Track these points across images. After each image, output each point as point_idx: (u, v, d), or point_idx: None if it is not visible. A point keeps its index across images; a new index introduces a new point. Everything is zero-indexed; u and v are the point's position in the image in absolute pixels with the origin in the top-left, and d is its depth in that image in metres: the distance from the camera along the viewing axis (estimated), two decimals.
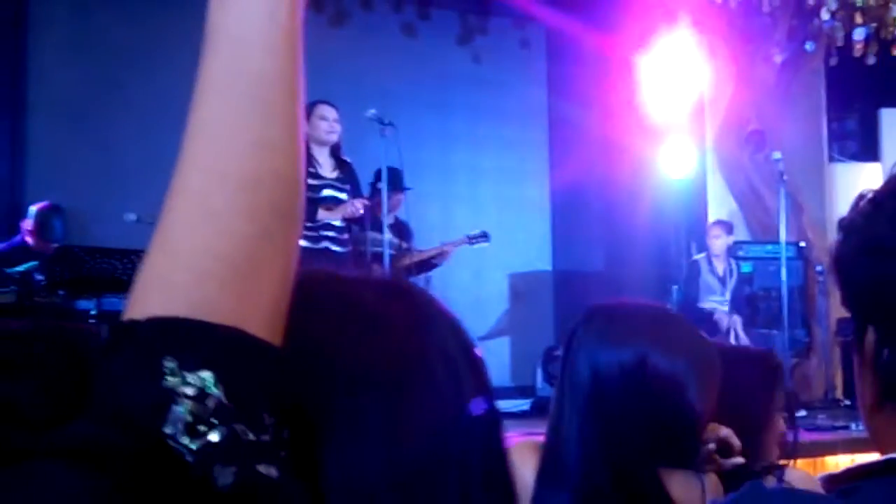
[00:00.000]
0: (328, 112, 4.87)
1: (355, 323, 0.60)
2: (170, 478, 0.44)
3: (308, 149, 4.80)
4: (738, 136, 6.85)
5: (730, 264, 6.34)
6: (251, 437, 0.46)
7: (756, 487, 0.74)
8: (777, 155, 5.88)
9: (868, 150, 7.24)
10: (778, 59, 6.63)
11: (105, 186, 5.74)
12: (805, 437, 4.63)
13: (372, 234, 5.17)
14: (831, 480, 0.75)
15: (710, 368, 1.22)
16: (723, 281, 6.31)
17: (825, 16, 6.14)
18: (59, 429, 0.45)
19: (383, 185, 4.89)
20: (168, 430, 0.45)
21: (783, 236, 5.70)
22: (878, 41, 6.22)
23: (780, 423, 1.54)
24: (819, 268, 6.54)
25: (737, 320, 6.18)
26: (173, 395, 0.45)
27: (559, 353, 1.40)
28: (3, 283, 4.46)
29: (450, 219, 7.05)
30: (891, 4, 6.15)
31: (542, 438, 1.26)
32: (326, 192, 4.85)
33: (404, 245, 5.72)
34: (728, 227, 6.41)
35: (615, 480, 1.16)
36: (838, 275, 0.76)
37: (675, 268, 6.78)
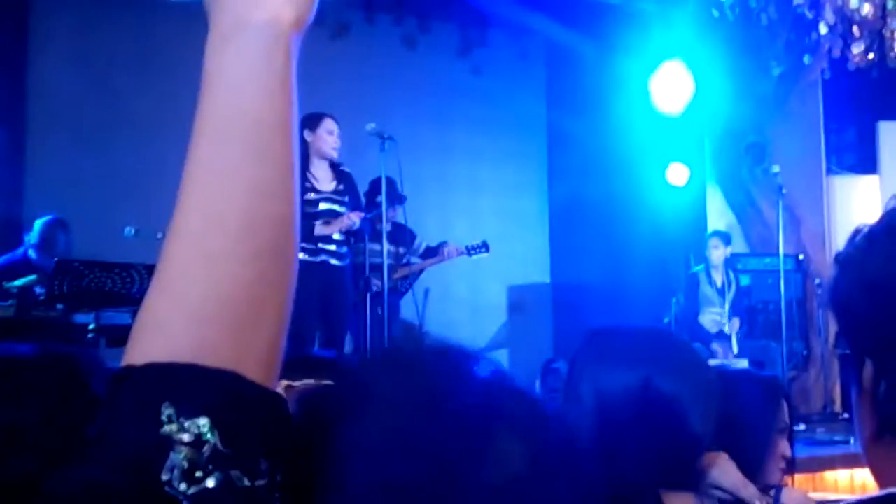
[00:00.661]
0: (333, 126, 4.89)
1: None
2: None
3: (308, 159, 4.82)
4: (737, 149, 6.87)
5: (728, 276, 6.35)
6: (246, 482, 0.47)
7: None
8: (776, 168, 5.89)
9: (866, 162, 7.26)
10: (776, 71, 6.65)
11: (104, 200, 5.74)
12: (804, 452, 4.63)
13: (370, 246, 5.17)
14: None
15: (712, 392, 1.23)
16: (721, 292, 6.32)
17: (823, 29, 6.17)
18: (65, 471, 0.46)
19: (382, 197, 4.89)
20: (165, 476, 0.46)
21: (781, 249, 5.71)
22: (876, 54, 6.25)
23: (783, 446, 1.54)
24: (818, 280, 6.55)
25: (736, 327, 6.18)
26: (170, 443, 0.46)
27: (557, 365, 1.41)
28: (2, 297, 4.45)
29: (448, 231, 7.05)
30: (888, 18, 6.17)
31: None
32: (324, 206, 4.85)
33: (402, 251, 5.73)
34: (726, 238, 6.43)
35: (616, 502, 1.16)
36: (835, 309, 0.77)
37: (673, 280, 6.79)
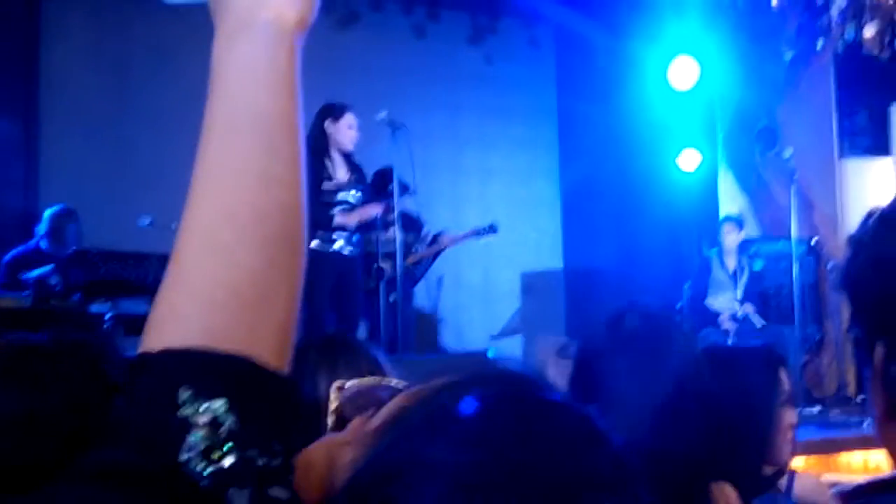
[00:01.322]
0: (354, 121, 4.93)
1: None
2: (189, 501, 0.47)
3: (327, 150, 4.86)
4: (749, 134, 6.84)
5: (741, 261, 6.34)
6: (262, 461, 0.49)
7: (770, 501, 0.75)
8: (788, 152, 5.87)
9: (879, 145, 7.20)
10: (787, 56, 6.61)
11: (119, 190, 5.78)
12: (818, 434, 4.64)
13: (383, 235, 5.20)
14: (844, 496, 0.76)
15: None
16: (734, 277, 6.31)
17: (834, 12, 6.12)
18: (88, 453, 0.48)
19: (395, 186, 4.92)
20: (183, 457, 0.47)
21: (794, 233, 5.69)
22: (888, 37, 6.19)
23: (789, 416, 1.52)
24: (831, 264, 6.52)
25: (750, 310, 6.15)
26: (188, 424, 0.48)
27: (572, 350, 1.39)
28: (19, 288, 4.50)
29: (460, 218, 7.07)
30: None
31: None
32: (341, 196, 4.90)
33: (411, 239, 5.77)
34: (739, 222, 6.41)
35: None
36: (848, 291, 0.77)
37: (686, 265, 6.78)
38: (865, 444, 4.43)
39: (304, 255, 0.57)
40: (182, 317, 0.52)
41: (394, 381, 0.82)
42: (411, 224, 5.76)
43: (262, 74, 0.58)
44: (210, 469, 0.47)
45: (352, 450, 0.57)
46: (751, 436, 1.36)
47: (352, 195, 4.94)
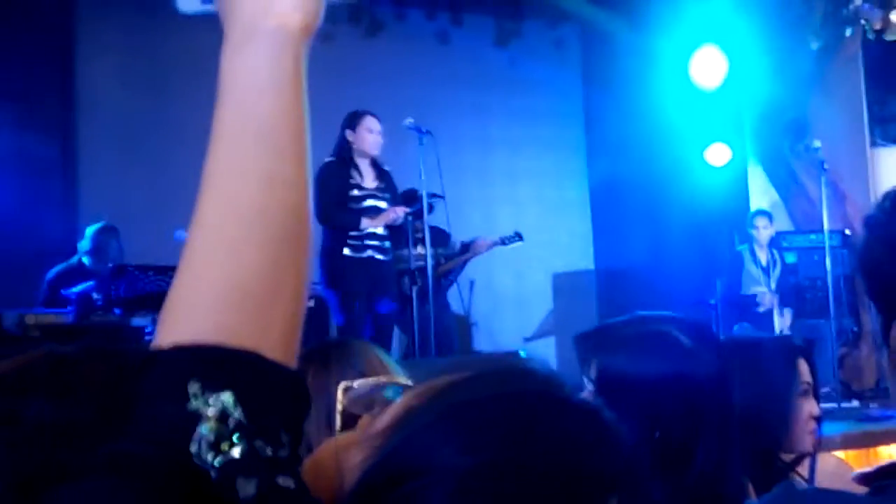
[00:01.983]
0: (374, 124, 4.96)
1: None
2: (200, 490, 0.48)
3: (352, 158, 4.93)
4: (778, 126, 6.78)
5: (772, 254, 6.30)
6: (270, 452, 0.50)
7: (788, 488, 0.75)
8: (817, 143, 5.81)
9: None
10: (815, 46, 6.55)
11: (155, 206, 5.88)
12: (857, 428, 4.59)
13: (413, 251, 5.27)
14: (864, 478, 0.75)
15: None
16: (766, 271, 6.27)
17: (859, 0, 6.06)
18: (105, 445, 0.50)
19: (424, 203, 4.99)
20: (193, 448, 0.49)
21: (826, 225, 5.64)
22: None
23: (808, 407, 1.52)
24: None
25: (786, 314, 6.12)
26: (197, 417, 0.49)
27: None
28: (61, 304, 4.61)
29: (491, 222, 7.10)
30: None
31: None
32: (368, 203, 4.95)
33: (440, 251, 5.81)
34: (770, 216, 6.37)
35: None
36: (864, 271, 0.78)
37: (717, 261, 6.74)
38: None
39: (310, 255, 0.59)
40: (192, 313, 0.54)
41: (401, 380, 0.83)
42: (440, 237, 5.82)
43: (268, 80, 0.59)
44: (219, 459, 0.49)
45: (360, 451, 0.57)
46: (766, 423, 1.36)
47: (380, 202, 5.00)
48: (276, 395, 0.52)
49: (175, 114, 6.18)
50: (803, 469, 1.49)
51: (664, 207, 7.03)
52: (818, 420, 1.51)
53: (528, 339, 7.24)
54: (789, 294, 6.29)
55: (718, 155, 6.89)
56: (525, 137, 7.57)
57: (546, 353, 7.16)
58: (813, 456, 1.46)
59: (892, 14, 6.07)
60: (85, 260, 5.17)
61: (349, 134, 4.92)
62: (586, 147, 7.92)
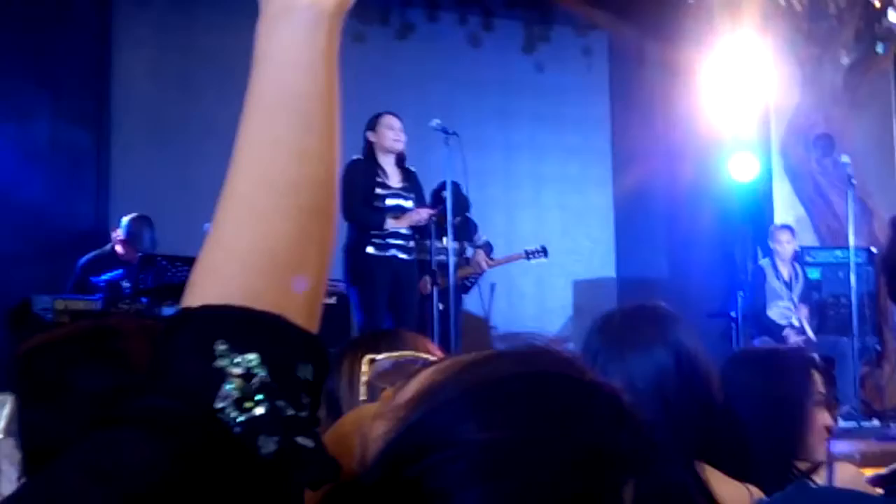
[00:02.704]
0: (394, 122, 5.02)
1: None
2: (222, 446, 0.50)
3: (376, 158, 4.98)
4: (805, 141, 6.75)
5: (794, 268, 6.26)
6: (291, 412, 0.52)
7: (802, 486, 0.77)
8: (845, 158, 5.78)
9: None
10: (845, 61, 6.52)
11: (184, 197, 5.95)
12: (878, 446, 4.56)
13: (438, 244, 5.28)
14: (878, 480, 0.78)
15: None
16: (788, 285, 6.23)
17: (892, 17, 6.03)
18: (131, 400, 0.52)
19: (448, 195, 4.99)
20: (219, 405, 0.50)
21: (852, 241, 5.60)
22: None
23: (823, 418, 1.54)
24: None
25: (805, 319, 6.06)
26: (223, 375, 0.51)
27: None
28: (90, 291, 4.69)
29: (513, 226, 7.12)
30: None
31: None
32: (392, 202, 4.99)
33: (465, 244, 5.82)
34: (793, 231, 6.33)
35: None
36: (886, 270, 0.80)
37: (740, 273, 6.72)
38: None
39: (335, 228, 0.61)
40: (221, 277, 0.56)
41: (424, 355, 0.84)
42: (465, 232, 5.83)
43: (301, 56, 0.61)
44: (242, 417, 0.50)
45: (383, 422, 0.58)
46: (781, 431, 1.38)
47: (405, 200, 5.04)
48: (298, 359, 0.54)
49: (206, 108, 6.27)
50: (818, 478, 1.50)
51: (688, 218, 7.02)
52: (831, 432, 1.53)
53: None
54: (812, 309, 6.24)
55: (744, 168, 6.86)
56: (550, 143, 7.58)
57: None
58: (830, 464, 1.47)
59: None
60: (118, 248, 5.26)
61: (370, 135, 4.99)
62: (612, 155, 7.92)
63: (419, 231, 5.11)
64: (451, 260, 5.04)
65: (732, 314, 6.21)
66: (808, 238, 6.67)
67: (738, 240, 6.88)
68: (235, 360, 0.51)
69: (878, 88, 6.76)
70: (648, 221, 7.39)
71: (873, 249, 6.47)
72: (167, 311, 4.35)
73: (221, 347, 0.51)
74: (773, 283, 6.23)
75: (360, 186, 4.85)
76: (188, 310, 0.54)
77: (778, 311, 6.21)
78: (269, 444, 0.50)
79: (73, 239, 5.61)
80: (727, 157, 6.88)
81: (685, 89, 6.82)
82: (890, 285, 0.78)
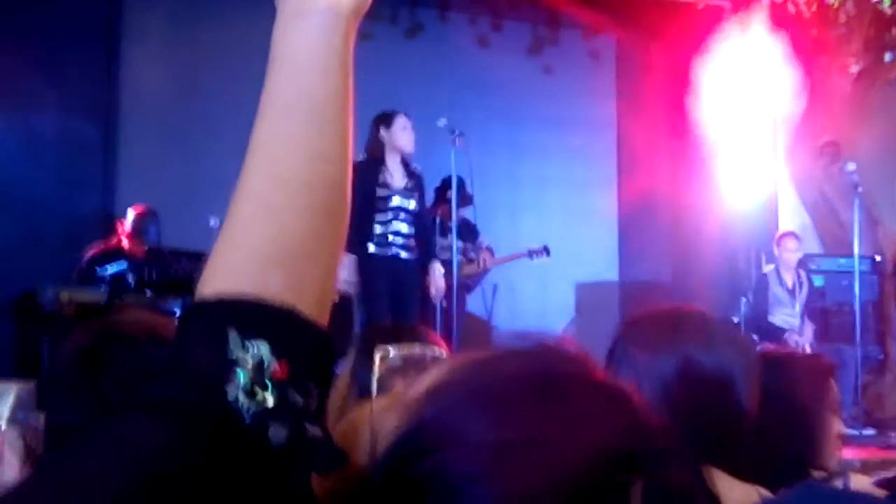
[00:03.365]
0: (407, 122, 5.02)
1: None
2: (233, 434, 0.51)
3: (383, 156, 4.98)
4: (812, 148, 6.74)
5: (799, 276, 6.25)
6: (300, 402, 0.53)
7: (809, 487, 0.77)
8: (851, 166, 5.78)
9: None
10: (854, 69, 6.51)
11: (190, 192, 5.97)
12: (879, 455, 4.56)
13: (441, 241, 5.28)
14: (885, 483, 0.77)
15: (753, 361, 1.24)
16: (792, 293, 6.22)
17: None
18: (144, 386, 0.53)
19: (453, 193, 5.00)
20: (231, 394, 0.51)
21: (857, 249, 5.59)
22: None
23: (837, 425, 1.53)
24: None
25: (808, 327, 6.06)
26: (235, 364, 0.52)
27: None
28: (96, 283, 4.70)
29: (517, 228, 7.12)
30: None
31: None
32: (395, 202, 4.99)
33: (468, 246, 5.83)
34: (798, 238, 6.32)
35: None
36: None
37: (744, 280, 6.71)
38: None
39: (346, 227, 0.62)
40: (235, 270, 0.57)
41: (436, 352, 0.84)
42: (469, 232, 5.83)
43: (318, 58, 0.62)
44: (253, 405, 0.51)
45: (394, 416, 0.59)
46: (797, 438, 1.37)
47: (407, 201, 5.04)
48: (308, 350, 0.55)
49: (213, 104, 6.28)
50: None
51: (692, 223, 7.01)
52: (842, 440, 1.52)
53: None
54: (815, 317, 6.23)
55: (750, 174, 6.85)
56: (555, 145, 7.58)
57: None
58: (844, 473, 1.46)
59: None
60: (124, 241, 5.27)
61: (383, 132, 4.96)
62: (616, 158, 7.91)
63: (421, 230, 5.12)
64: (455, 259, 5.04)
65: (735, 319, 6.20)
66: (813, 246, 6.67)
67: (742, 246, 6.87)
68: (248, 350, 0.52)
69: (885, 97, 6.75)
70: (652, 225, 7.38)
71: (878, 258, 6.47)
72: (169, 305, 4.36)
73: (234, 336, 0.52)
74: (776, 290, 6.22)
75: (361, 188, 4.84)
76: (202, 300, 0.55)
77: (781, 318, 6.21)
78: (279, 434, 0.51)
79: (79, 231, 5.62)
80: (733, 162, 6.87)
81: (692, 94, 6.82)
82: None
